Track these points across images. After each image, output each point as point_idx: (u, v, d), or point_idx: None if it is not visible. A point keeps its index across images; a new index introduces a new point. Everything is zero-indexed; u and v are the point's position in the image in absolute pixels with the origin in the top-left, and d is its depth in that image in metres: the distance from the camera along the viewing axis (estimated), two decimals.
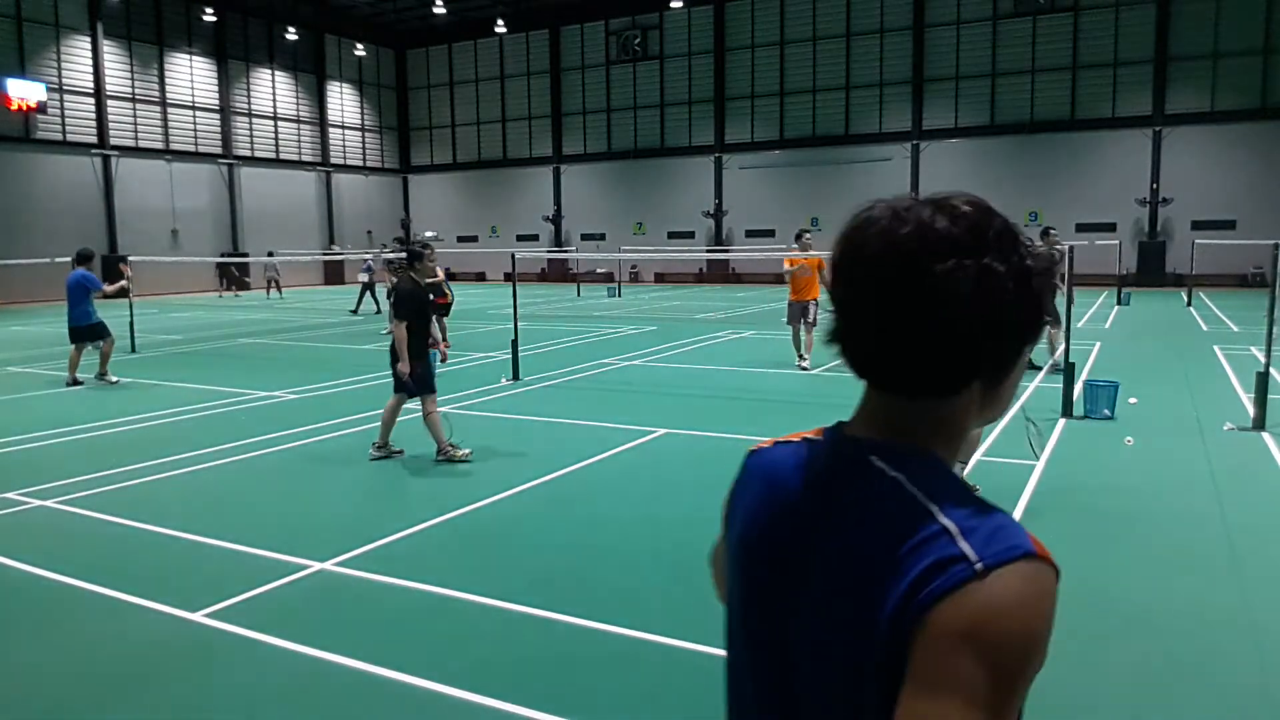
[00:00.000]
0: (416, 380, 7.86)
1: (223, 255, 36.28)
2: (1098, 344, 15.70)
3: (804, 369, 13.16)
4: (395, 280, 8.42)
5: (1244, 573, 5.15)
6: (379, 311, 23.61)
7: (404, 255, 18.36)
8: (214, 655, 4.31)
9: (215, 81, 40.82)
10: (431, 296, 16.14)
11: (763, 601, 1.08)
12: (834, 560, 0.99)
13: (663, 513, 6.51)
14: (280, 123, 44.02)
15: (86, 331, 12.49)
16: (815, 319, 13.20)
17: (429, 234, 45.70)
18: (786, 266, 13.46)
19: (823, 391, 11.69)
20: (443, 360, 12.09)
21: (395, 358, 7.89)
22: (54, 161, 34.78)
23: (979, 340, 0.96)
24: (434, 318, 15.97)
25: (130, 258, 18.77)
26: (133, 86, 37.56)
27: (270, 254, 35.56)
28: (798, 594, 1.02)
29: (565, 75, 45.74)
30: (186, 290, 36.16)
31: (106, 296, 12.61)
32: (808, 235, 13.35)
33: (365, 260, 26.37)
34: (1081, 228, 34.42)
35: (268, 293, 34.51)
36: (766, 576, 1.07)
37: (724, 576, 1.20)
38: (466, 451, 7.97)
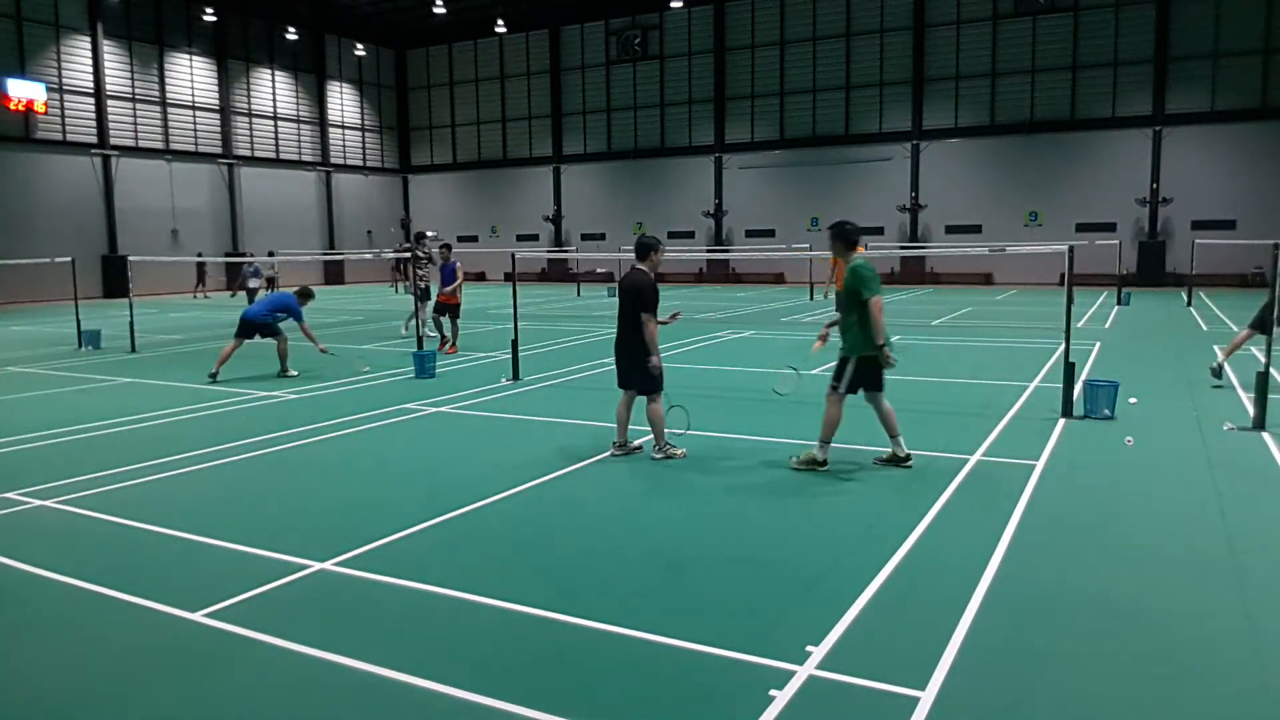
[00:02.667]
0: (653, 376, 7.87)
1: (199, 255, 35.91)
2: (1098, 344, 15.71)
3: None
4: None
5: (1244, 572, 5.15)
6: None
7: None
8: (214, 655, 4.31)
9: (215, 81, 40.85)
10: (436, 297, 16.25)
11: None
12: None
13: (662, 512, 6.51)
14: (280, 123, 44.04)
15: (261, 327, 13.11)
16: None
17: (430, 233, 45.69)
18: (831, 266, 15.46)
19: (822, 391, 11.66)
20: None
21: (631, 354, 7.88)
22: (54, 161, 34.80)
23: None
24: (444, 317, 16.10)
25: (130, 258, 18.77)
26: (133, 86, 37.58)
27: (249, 254, 34.91)
28: None
29: (565, 75, 45.75)
30: (185, 290, 36.14)
31: (305, 333, 13.29)
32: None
33: (252, 264, 24.78)
34: (1081, 228, 34.46)
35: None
36: None
37: None
38: (682, 451, 8.08)
